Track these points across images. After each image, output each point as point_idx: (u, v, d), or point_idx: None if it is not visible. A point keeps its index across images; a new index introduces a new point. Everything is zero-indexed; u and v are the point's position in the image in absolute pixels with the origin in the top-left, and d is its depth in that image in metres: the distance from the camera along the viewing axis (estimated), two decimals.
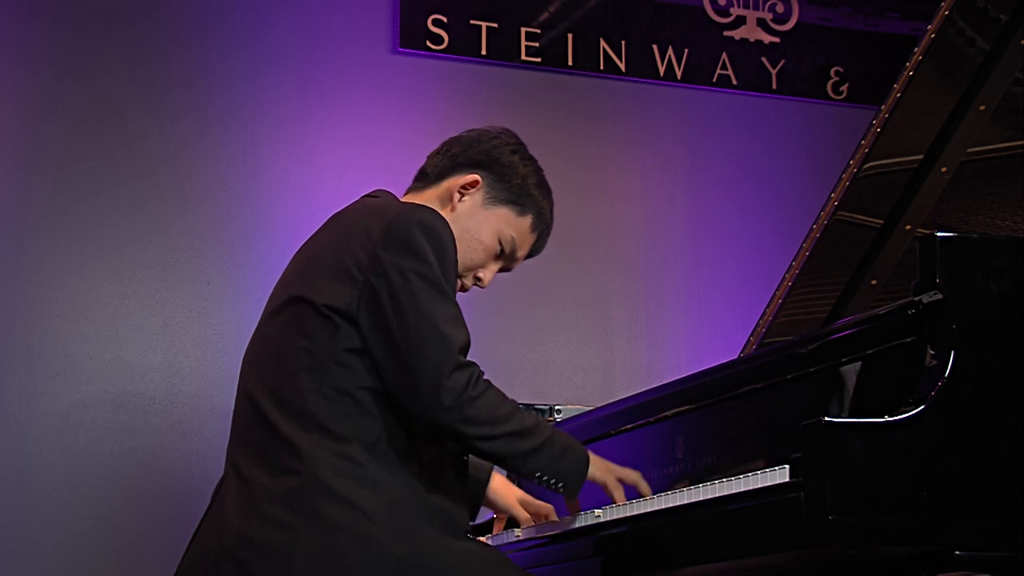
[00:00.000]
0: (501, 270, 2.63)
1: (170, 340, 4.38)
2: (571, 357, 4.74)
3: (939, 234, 2.21)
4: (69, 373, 4.28)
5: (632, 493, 2.51)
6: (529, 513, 2.74)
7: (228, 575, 2.28)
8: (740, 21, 5.15)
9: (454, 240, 2.39)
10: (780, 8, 5.21)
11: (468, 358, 2.36)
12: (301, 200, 4.51)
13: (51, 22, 4.43)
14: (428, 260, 2.34)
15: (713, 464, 2.62)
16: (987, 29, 2.98)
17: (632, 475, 2.52)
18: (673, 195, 4.97)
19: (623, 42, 5.00)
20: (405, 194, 2.63)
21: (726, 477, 2.26)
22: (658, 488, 2.51)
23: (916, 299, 2.22)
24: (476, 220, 2.55)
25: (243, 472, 2.37)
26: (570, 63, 4.93)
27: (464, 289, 2.60)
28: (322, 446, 2.31)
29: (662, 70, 5.02)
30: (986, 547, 2.09)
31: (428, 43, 4.77)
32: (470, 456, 2.48)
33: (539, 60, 4.90)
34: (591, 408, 3.14)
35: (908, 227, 3.13)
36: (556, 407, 3.27)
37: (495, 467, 2.67)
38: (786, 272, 3.30)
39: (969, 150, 3.04)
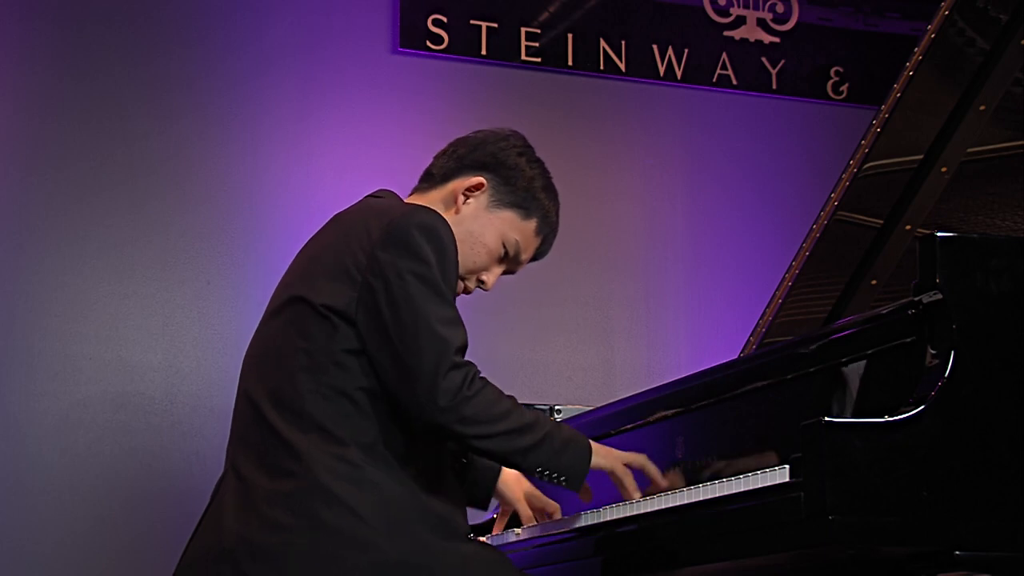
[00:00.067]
0: (505, 273, 2.62)
1: (170, 340, 4.38)
2: (571, 357, 4.74)
3: (939, 234, 2.21)
4: (69, 373, 4.28)
5: (641, 478, 2.51)
6: (534, 509, 2.73)
7: None
8: (740, 21, 5.15)
9: (455, 242, 2.39)
10: (780, 8, 5.21)
11: (467, 358, 2.36)
12: (301, 200, 4.51)
13: (51, 22, 4.43)
14: (427, 261, 2.34)
15: (713, 464, 2.62)
16: (987, 29, 2.98)
17: (638, 459, 2.52)
18: (673, 195, 4.97)
19: (623, 42, 5.00)
20: (410, 194, 2.62)
21: (726, 477, 2.26)
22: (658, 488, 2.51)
23: (916, 299, 2.22)
24: (480, 223, 2.55)
25: (242, 473, 2.37)
26: (570, 63, 4.93)
27: (467, 291, 2.60)
28: (320, 448, 2.31)
29: (662, 70, 5.02)
30: (986, 547, 2.09)
31: (428, 43, 4.77)
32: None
33: (539, 60, 4.90)
34: (591, 408, 3.14)
35: (908, 227, 3.13)
36: (556, 407, 3.27)
37: None
38: (786, 272, 3.30)
39: (969, 150, 3.04)
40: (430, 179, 2.61)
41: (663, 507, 2.37)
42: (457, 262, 2.40)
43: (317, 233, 2.53)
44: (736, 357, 2.95)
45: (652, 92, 5.01)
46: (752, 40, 5.15)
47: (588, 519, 2.53)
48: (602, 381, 4.71)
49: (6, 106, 4.36)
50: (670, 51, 5.04)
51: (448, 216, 2.51)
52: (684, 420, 2.74)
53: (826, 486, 2.04)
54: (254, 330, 2.52)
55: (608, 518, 2.48)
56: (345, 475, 2.30)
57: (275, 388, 2.38)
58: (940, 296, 2.18)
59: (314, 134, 4.61)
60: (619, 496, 2.51)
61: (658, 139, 4.99)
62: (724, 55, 5.10)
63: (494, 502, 3.23)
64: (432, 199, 2.57)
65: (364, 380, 2.35)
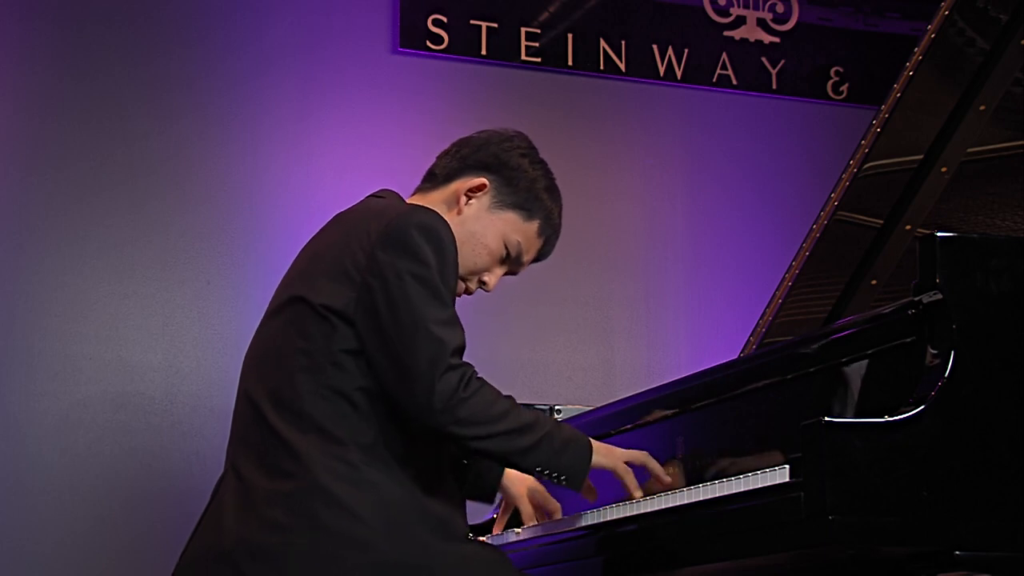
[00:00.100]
0: (507, 274, 2.62)
1: (170, 340, 4.38)
2: (571, 357, 4.75)
3: (939, 234, 2.21)
4: (69, 373, 4.28)
5: (642, 475, 2.51)
6: (535, 507, 2.72)
7: None
8: (740, 21, 5.15)
9: (455, 242, 2.38)
10: (780, 8, 5.21)
11: (467, 358, 2.36)
12: (301, 200, 4.51)
13: (51, 22, 4.43)
14: (426, 262, 2.33)
15: (713, 464, 2.62)
16: (987, 29, 2.98)
17: (640, 456, 2.51)
18: (673, 195, 4.97)
19: (623, 42, 5.00)
20: (412, 194, 2.62)
21: (726, 477, 2.26)
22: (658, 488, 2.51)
23: (916, 299, 2.22)
24: (482, 224, 2.54)
25: (242, 473, 2.37)
26: (570, 63, 4.93)
27: (469, 292, 2.59)
28: (319, 449, 2.31)
29: (662, 70, 5.02)
30: (986, 547, 2.09)
31: (428, 43, 4.77)
32: None
33: (539, 60, 4.90)
34: (591, 408, 3.14)
35: (908, 227, 3.13)
36: (556, 407, 3.27)
37: None
38: (786, 272, 3.30)
39: (969, 150, 3.04)
40: (432, 179, 2.61)
41: (663, 507, 2.37)
42: (457, 263, 2.39)
43: (318, 233, 2.53)
44: (736, 357, 2.95)
45: (652, 92, 5.01)
46: (752, 40, 5.15)
47: (588, 519, 2.53)
48: (602, 381, 4.71)
49: (6, 106, 4.36)
50: (670, 51, 5.04)
51: (450, 217, 2.51)
52: (684, 420, 2.74)
53: (826, 486, 2.04)
54: (254, 330, 2.52)
55: (608, 518, 2.48)
56: (344, 476, 2.30)
57: (275, 388, 2.38)
58: (940, 296, 2.18)
59: (314, 134, 4.61)
60: (619, 495, 2.51)
61: (658, 139, 4.99)
62: (724, 55, 5.10)
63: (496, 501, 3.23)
64: (434, 199, 2.57)
65: (363, 380, 2.35)
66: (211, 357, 4.39)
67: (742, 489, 2.20)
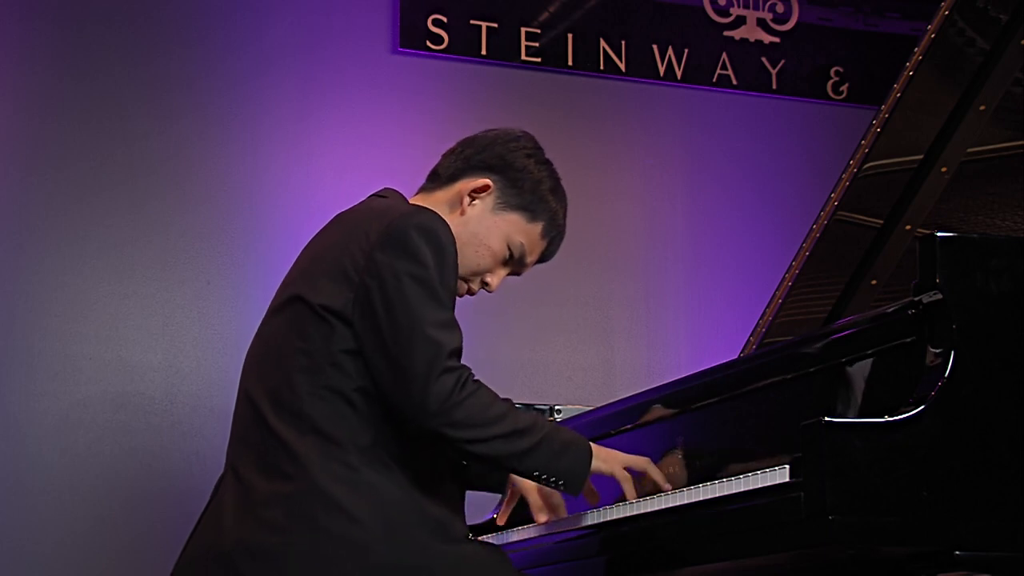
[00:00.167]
0: (510, 274, 2.61)
1: (170, 340, 4.38)
2: (571, 357, 4.74)
3: (939, 234, 2.21)
4: (69, 373, 4.28)
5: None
6: (544, 500, 2.70)
7: None
8: (740, 21, 5.15)
9: (454, 244, 2.37)
10: (780, 8, 5.21)
11: (467, 358, 2.36)
12: (301, 200, 4.51)
13: (51, 22, 4.43)
14: (424, 263, 2.33)
15: (713, 464, 2.62)
16: (987, 29, 2.98)
17: (640, 462, 2.50)
18: (673, 195, 4.97)
19: (623, 42, 5.00)
20: (416, 194, 2.61)
21: (726, 477, 2.26)
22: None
23: (916, 299, 2.22)
24: (485, 225, 2.53)
25: (241, 473, 2.37)
26: (570, 63, 4.93)
27: (471, 293, 2.58)
28: (318, 450, 2.31)
29: (662, 70, 5.02)
30: (986, 547, 2.09)
31: (428, 43, 4.77)
32: None
33: (539, 60, 4.90)
34: (591, 408, 3.14)
35: (908, 227, 3.13)
36: (556, 407, 3.27)
37: None
38: (786, 272, 3.30)
39: (969, 150, 3.04)
40: (436, 179, 2.60)
41: (663, 507, 2.37)
42: (456, 265, 2.38)
43: (319, 232, 2.53)
44: (736, 357, 2.95)
45: (652, 92, 5.01)
46: (752, 40, 5.15)
47: (589, 519, 2.52)
48: (602, 381, 4.71)
49: (6, 106, 4.36)
50: (670, 51, 5.04)
51: (453, 217, 2.51)
52: (684, 420, 2.74)
53: (826, 486, 2.04)
54: (254, 330, 2.52)
55: (609, 518, 2.48)
56: (343, 478, 2.29)
57: (274, 388, 2.38)
58: (940, 296, 2.18)
59: (314, 134, 4.61)
60: (620, 495, 2.50)
61: (658, 139, 5.00)
62: (724, 55, 5.10)
63: (493, 502, 3.23)
64: (437, 200, 2.56)
65: (362, 381, 2.34)
66: (211, 357, 4.39)
67: (742, 489, 2.20)
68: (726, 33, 5.12)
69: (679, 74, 5.04)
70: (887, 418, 2.09)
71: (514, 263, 2.58)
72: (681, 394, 2.75)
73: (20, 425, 4.21)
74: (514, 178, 2.54)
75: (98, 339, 4.32)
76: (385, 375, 2.32)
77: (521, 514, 2.79)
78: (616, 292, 4.83)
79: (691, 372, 2.76)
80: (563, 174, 2.64)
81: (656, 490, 2.48)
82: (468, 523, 2.51)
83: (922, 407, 2.10)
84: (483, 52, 4.83)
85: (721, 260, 4.94)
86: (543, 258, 2.62)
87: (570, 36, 4.94)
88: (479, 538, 2.79)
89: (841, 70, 5.22)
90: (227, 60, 4.57)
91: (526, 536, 2.73)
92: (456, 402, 2.29)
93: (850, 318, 2.44)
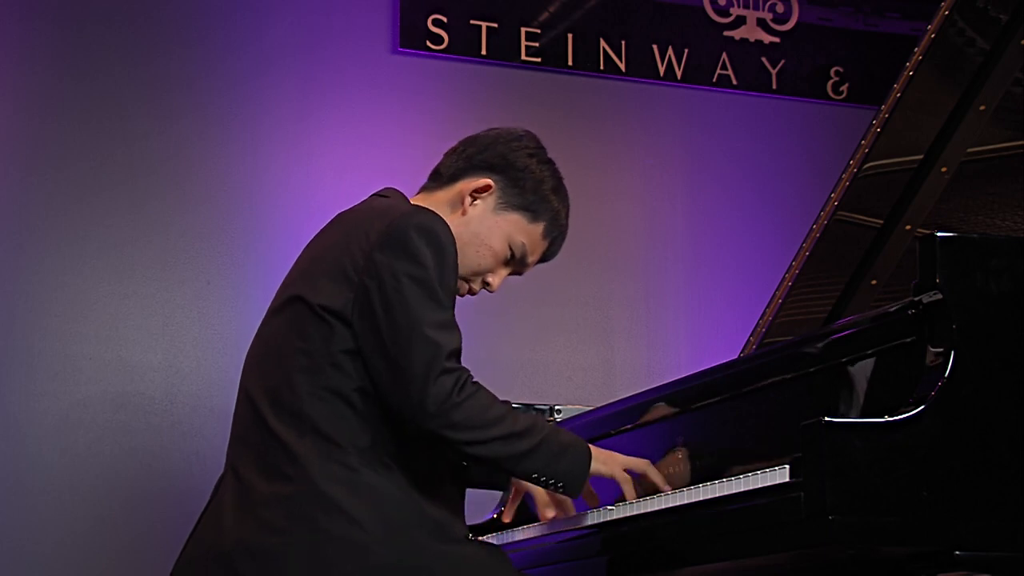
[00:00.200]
0: (511, 274, 2.61)
1: (170, 340, 4.38)
2: (571, 357, 4.74)
3: (939, 234, 2.21)
4: (69, 373, 4.28)
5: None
6: (549, 497, 2.68)
7: None
8: (740, 21, 5.15)
9: (454, 244, 2.37)
10: (780, 8, 5.21)
11: (467, 359, 2.35)
12: (301, 200, 4.51)
13: (51, 22, 4.43)
14: (424, 264, 2.32)
15: (713, 464, 2.62)
16: (987, 29, 2.98)
17: (640, 464, 2.50)
18: (673, 195, 4.97)
19: (623, 42, 5.00)
20: (417, 193, 2.60)
21: (726, 477, 2.26)
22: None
23: (916, 299, 2.22)
24: (487, 225, 2.53)
25: (241, 474, 2.37)
26: (570, 63, 4.93)
27: (473, 293, 2.58)
28: (317, 451, 2.30)
29: (662, 70, 5.02)
30: (986, 547, 2.09)
31: (428, 43, 4.77)
32: None
33: (539, 60, 4.90)
34: (591, 408, 3.14)
35: (908, 227, 3.13)
36: (556, 407, 3.27)
37: None
38: (786, 272, 3.30)
39: (969, 150, 3.04)
40: (438, 178, 2.59)
41: (663, 507, 2.37)
42: (456, 265, 2.38)
43: (320, 232, 2.52)
44: (736, 357, 2.95)
45: (652, 92, 5.01)
46: (752, 40, 5.15)
47: (589, 519, 2.52)
48: (602, 381, 4.71)
49: (6, 106, 4.36)
50: (670, 51, 5.04)
51: (454, 218, 2.50)
52: (684, 420, 2.74)
53: (826, 486, 2.04)
54: (254, 330, 2.52)
55: (609, 518, 2.48)
56: (342, 479, 2.29)
57: (274, 388, 2.38)
58: (940, 296, 2.18)
59: (314, 134, 4.61)
60: (619, 496, 2.50)
61: (658, 139, 4.99)
62: (724, 55, 5.10)
63: (493, 502, 3.23)
64: (438, 199, 2.55)
65: (361, 381, 2.34)
66: (211, 357, 4.39)
67: (742, 489, 2.20)
68: (726, 33, 5.12)
69: (679, 74, 5.04)
70: (887, 418, 2.09)
71: (515, 263, 2.57)
72: (681, 394, 2.75)
73: (20, 425, 4.21)
74: (516, 178, 2.54)
75: (98, 339, 4.32)
76: (384, 376, 2.31)
77: (524, 513, 2.79)
78: (616, 292, 4.83)
79: (691, 372, 2.76)
80: (563, 174, 2.64)
81: (655, 492, 2.47)
82: (468, 523, 2.50)
83: (922, 407, 2.10)
84: (483, 52, 4.83)
85: (721, 260, 4.94)
86: (545, 257, 2.61)
87: (570, 36, 4.94)
88: (479, 538, 2.79)
89: (841, 70, 5.22)
90: (227, 60, 4.57)
91: (527, 536, 2.73)
92: (454, 404, 2.28)
93: (850, 318, 2.44)
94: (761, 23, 5.17)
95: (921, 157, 3.08)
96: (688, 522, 2.32)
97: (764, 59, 5.14)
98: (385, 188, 2.57)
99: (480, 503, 3.06)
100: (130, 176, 4.43)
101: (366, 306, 2.32)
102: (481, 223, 2.53)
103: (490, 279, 2.57)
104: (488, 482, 2.76)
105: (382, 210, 2.43)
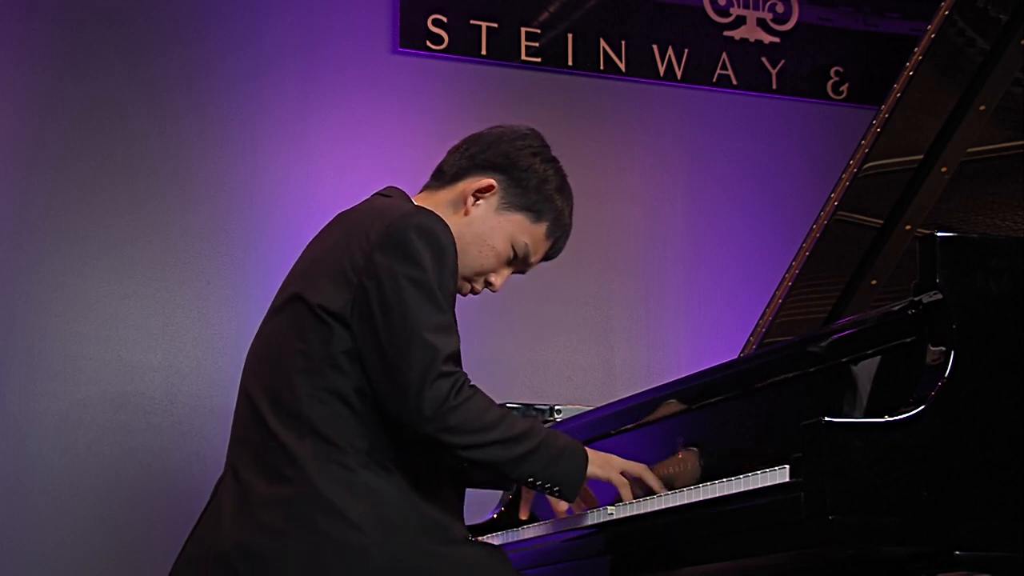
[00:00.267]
0: (514, 272, 2.60)
1: (170, 340, 4.38)
2: (571, 357, 4.74)
3: (939, 234, 2.21)
4: (69, 373, 4.28)
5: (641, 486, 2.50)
6: None
7: None
8: (740, 21, 5.15)
9: (454, 245, 2.36)
10: (780, 8, 5.21)
11: (467, 359, 2.35)
12: (301, 200, 4.51)
13: (51, 22, 4.43)
14: (423, 265, 2.31)
15: (713, 464, 2.62)
16: (987, 29, 2.98)
17: (636, 468, 2.49)
18: (673, 195, 4.97)
19: (623, 42, 5.00)
20: (420, 192, 2.59)
21: (726, 477, 2.26)
22: None
23: (916, 299, 2.22)
24: (489, 225, 2.52)
25: (240, 475, 2.36)
26: (570, 63, 4.93)
27: (475, 292, 2.57)
28: (316, 453, 2.30)
29: (662, 70, 5.02)
30: (986, 547, 2.09)
31: (428, 43, 4.77)
32: None
33: (539, 60, 4.90)
34: (591, 408, 3.14)
35: (908, 227, 3.13)
36: (556, 407, 3.27)
37: None
38: (786, 272, 3.30)
39: (969, 150, 3.04)
40: (441, 177, 2.58)
41: (664, 507, 2.37)
42: (456, 267, 2.37)
43: (321, 232, 2.52)
44: (736, 357, 2.95)
45: (652, 92, 5.01)
46: (752, 40, 5.15)
47: (590, 519, 2.52)
48: (602, 381, 4.71)
49: (6, 106, 4.36)
50: (670, 51, 5.04)
51: (457, 218, 2.50)
52: (684, 420, 2.74)
53: (826, 486, 2.04)
54: (254, 330, 2.52)
55: (609, 518, 2.48)
56: (342, 481, 2.28)
57: (274, 389, 2.38)
58: (940, 296, 2.18)
59: (314, 134, 4.61)
60: (617, 497, 2.50)
61: (658, 139, 4.99)
62: (724, 55, 5.10)
63: (493, 502, 3.23)
64: (441, 199, 2.54)
65: (360, 382, 2.33)
66: (211, 357, 4.39)
67: (742, 489, 2.20)
68: (726, 33, 5.12)
69: (679, 74, 5.04)
70: (887, 418, 2.09)
71: (518, 263, 2.57)
72: (681, 394, 2.75)
73: (20, 425, 4.21)
74: (519, 177, 2.53)
75: (98, 339, 4.32)
76: (381, 378, 2.31)
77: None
78: (616, 292, 4.83)
79: (691, 372, 2.76)
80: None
81: (652, 495, 2.47)
82: (468, 523, 2.50)
83: (922, 407, 2.10)
84: (483, 52, 4.83)
85: (721, 260, 4.94)
86: (548, 256, 2.60)
87: (570, 36, 4.94)
88: (479, 538, 2.79)
89: (841, 70, 5.22)
90: (227, 60, 4.57)
91: (527, 536, 2.73)
92: (451, 407, 2.28)
93: (850, 318, 2.44)
94: (761, 23, 5.17)
95: (921, 157, 3.08)
96: (688, 522, 2.32)
97: (764, 59, 5.14)
98: (387, 187, 2.56)
99: (480, 503, 3.06)
100: (130, 176, 4.43)
101: (365, 308, 2.32)
102: (484, 223, 2.52)
103: (493, 279, 2.56)
104: (489, 482, 2.76)
105: (382, 210, 2.42)
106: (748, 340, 3.37)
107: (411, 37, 4.75)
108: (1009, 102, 2.99)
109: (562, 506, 2.58)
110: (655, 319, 4.85)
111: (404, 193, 2.54)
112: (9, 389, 4.22)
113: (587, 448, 2.46)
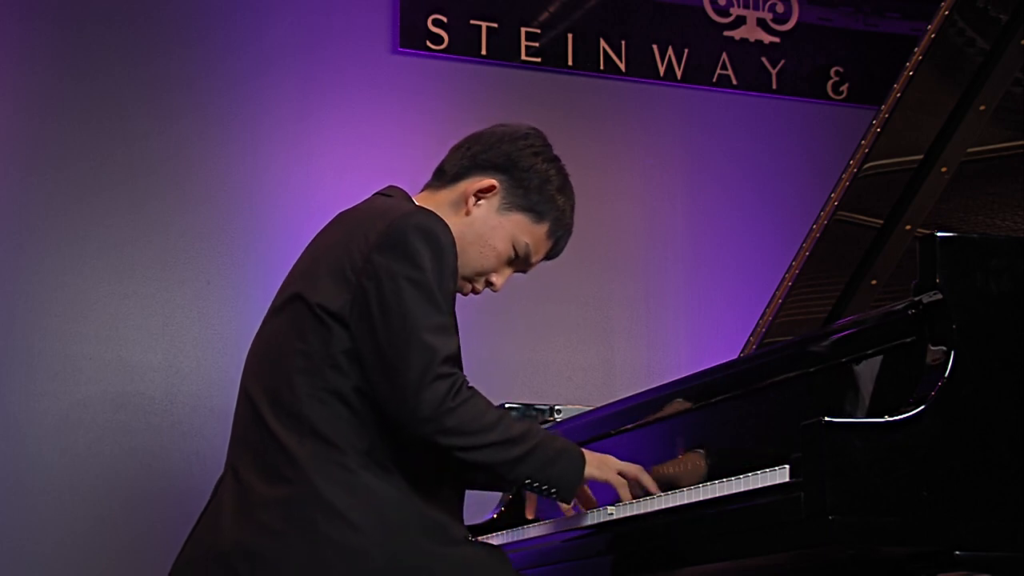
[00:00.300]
0: (515, 271, 2.60)
1: (170, 340, 4.38)
2: (571, 357, 4.74)
3: (939, 234, 2.21)
4: (69, 373, 4.28)
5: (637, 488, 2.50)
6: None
7: None
8: (740, 21, 5.15)
9: (454, 245, 2.36)
10: (780, 8, 5.21)
11: (468, 358, 2.35)
12: (301, 200, 4.51)
13: (51, 22, 4.43)
14: (422, 266, 2.31)
15: (713, 464, 2.62)
16: (987, 29, 2.98)
17: (632, 469, 2.49)
18: (673, 195, 4.97)
19: (623, 42, 5.00)
20: (421, 191, 2.59)
21: (726, 477, 2.26)
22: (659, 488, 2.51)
23: (916, 299, 2.22)
24: (490, 226, 2.51)
25: (241, 475, 2.36)
26: (570, 63, 4.93)
27: (476, 292, 2.57)
28: (316, 454, 2.30)
29: (662, 70, 5.02)
30: (986, 547, 2.09)
31: (428, 43, 4.77)
32: None
33: (539, 60, 4.90)
34: (591, 408, 3.14)
35: (908, 227, 3.13)
36: (556, 407, 3.27)
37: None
38: (786, 272, 3.30)
39: (969, 150, 3.04)
40: (442, 176, 2.57)
41: (664, 507, 2.37)
42: (456, 268, 2.37)
43: (322, 231, 2.52)
44: (736, 357, 2.95)
45: (652, 92, 5.01)
46: (752, 40, 5.15)
47: (590, 519, 2.53)
48: (602, 381, 4.71)
49: (6, 106, 4.36)
50: (670, 51, 5.04)
51: (458, 218, 2.49)
52: (684, 420, 2.74)
53: (826, 486, 2.04)
54: (254, 330, 2.52)
55: (610, 518, 2.48)
56: (341, 482, 2.28)
57: (274, 389, 2.38)
58: (940, 296, 2.18)
59: (314, 134, 4.61)
60: (616, 498, 2.50)
61: (658, 139, 4.99)
62: (724, 55, 5.10)
63: (493, 502, 3.23)
64: (442, 199, 2.54)
65: (360, 382, 2.33)
66: (211, 357, 4.39)
67: (742, 489, 2.20)
68: (726, 33, 5.12)
69: (679, 74, 5.04)
70: (887, 418, 2.09)
71: (519, 262, 2.56)
72: (681, 394, 2.75)
73: (20, 425, 4.21)
74: (520, 178, 2.52)
75: (98, 339, 4.32)
76: (379, 379, 2.30)
77: (523, 513, 2.79)
78: (616, 292, 4.83)
79: (691, 372, 2.76)
80: None
81: (648, 495, 2.47)
82: (468, 523, 2.50)
83: (922, 407, 2.10)
84: (483, 52, 4.83)
85: (721, 260, 4.94)
86: (550, 256, 2.60)
87: (570, 36, 4.94)
88: (479, 538, 2.79)
89: (841, 70, 5.22)
90: (227, 60, 4.57)
91: (528, 536, 2.73)
92: (448, 409, 2.28)
93: (850, 318, 2.44)
94: (761, 23, 5.17)
95: (921, 157, 3.08)
96: (688, 522, 2.32)
97: (764, 59, 5.14)
98: (388, 186, 2.56)
99: (480, 503, 3.06)
100: (130, 176, 4.43)
101: (364, 308, 2.32)
102: (485, 224, 2.51)
103: (494, 279, 2.56)
104: (488, 484, 2.75)
105: (383, 210, 2.42)
106: (748, 340, 3.37)
107: (411, 37, 4.75)
108: (1009, 102, 2.99)
109: (568, 507, 2.58)
110: (655, 319, 4.85)
111: (405, 192, 2.54)
112: (9, 389, 4.22)
113: (584, 449, 2.46)
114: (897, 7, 5.29)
